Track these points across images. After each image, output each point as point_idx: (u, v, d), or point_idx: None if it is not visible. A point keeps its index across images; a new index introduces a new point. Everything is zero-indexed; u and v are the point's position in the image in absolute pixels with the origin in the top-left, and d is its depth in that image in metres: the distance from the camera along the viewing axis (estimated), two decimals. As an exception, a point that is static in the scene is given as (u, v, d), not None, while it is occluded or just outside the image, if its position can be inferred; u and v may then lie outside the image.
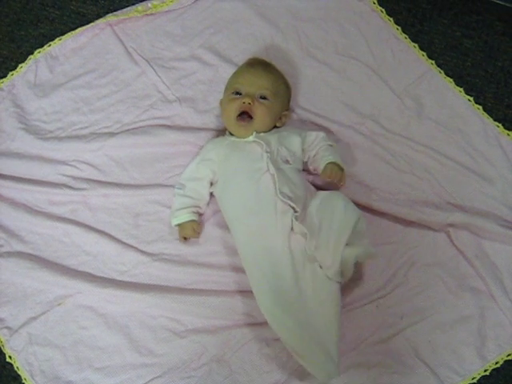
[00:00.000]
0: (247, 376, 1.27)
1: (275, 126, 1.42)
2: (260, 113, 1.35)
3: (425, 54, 1.62)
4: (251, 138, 1.36)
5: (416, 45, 1.63)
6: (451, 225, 1.39)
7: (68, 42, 1.61)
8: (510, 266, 1.37)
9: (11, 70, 1.59)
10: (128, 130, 1.50)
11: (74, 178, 1.45)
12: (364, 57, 1.60)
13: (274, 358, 1.28)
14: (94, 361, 1.29)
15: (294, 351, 1.18)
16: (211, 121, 1.52)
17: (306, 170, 1.44)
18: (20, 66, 1.59)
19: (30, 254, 1.38)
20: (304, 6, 1.67)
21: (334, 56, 1.61)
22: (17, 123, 1.51)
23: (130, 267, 1.37)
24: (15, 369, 1.29)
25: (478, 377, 1.29)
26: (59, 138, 1.49)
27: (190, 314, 1.31)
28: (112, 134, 1.49)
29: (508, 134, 1.53)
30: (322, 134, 1.42)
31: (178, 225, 1.37)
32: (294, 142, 1.39)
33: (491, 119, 1.54)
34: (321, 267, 1.22)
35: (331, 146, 1.41)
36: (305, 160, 1.41)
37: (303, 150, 1.40)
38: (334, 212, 1.25)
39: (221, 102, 1.45)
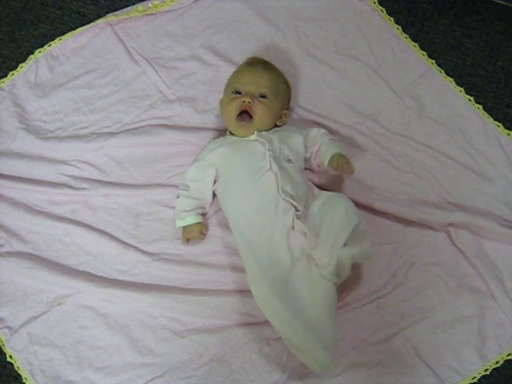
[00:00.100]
0: (247, 376, 1.27)
1: (276, 125, 1.42)
2: (260, 112, 1.35)
3: (425, 53, 1.61)
4: (253, 137, 1.36)
5: (416, 44, 1.63)
6: (451, 224, 1.39)
7: (68, 42, 1.61)
8: (510, 266, 1.38)
9: (12, 70, 1.59)
10: (128, 130, 1.51)
11: (74, 177, 1.45)
12: (364, 56, 1.60)
13: (275, 358, 1.28)
14: (94, 360, 1.29)
15: (290, 342, 1.18)
16: (211, 121, 1.52)
17: (308, 168, 1.44)
18: (20, 65, 1.59)
19: (31, 254, 1.38)
20: (304, 6, 1.67)
21: (335, 56, 1.61)
22: (17, 123, 1.51)
23: (131, 267, 1.37)
24: (16, 368, 1.29)
25: (479, 376, 1.29)
26: (59, 138, 1.50)
27: (190, 314, 1.32)
28: (112, 134, 1.49)
29: (508, 134, 1.53)
30: (322, 130, 1.42)
31: (184, 227, 1.37)
32: (296, 140, 1.39)
33: (491, 119, 1.54)
34: (317, 265, 1.23)
35: (332, 139, 1.41)
36: (307, 156, 1.41)
37: (306, 147, 1.40)
38: (334, 213, 1.25)
39: (221, 102, 1.45)
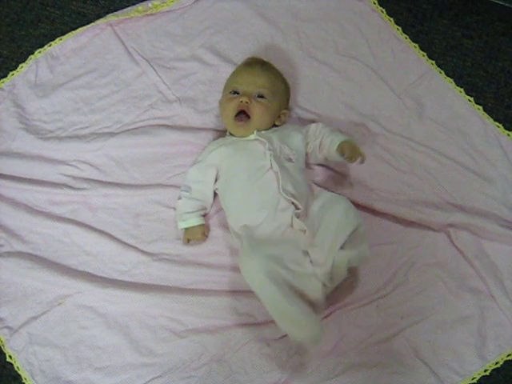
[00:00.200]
0: (247, 376, 1.28)
1: (274, 125, 1.42)
2: (258, 112, 1.35)
3: (425, 54, 1.62)
4: (253, 137, 1.36)
5: (416, 45, 1.63)
6: (451, 225, 1.39)
7: (68, 42, 1.61)
8: (510, 267, 1.38)
9: (12, 70, 1.59)
10: (128, 130, 1.51)
11: (74, 177, 1.45)
12: (364, 57, 1.61)
13: (274, 358, 1.28)
14: (94, 361, 1.29)
15: (278, 316, 1.17)
16: (211, 121, 1.52)
17: (309, 168, 1.44)
18: (20, 65, 1.60)
19: (31, 254, 1.38)
20: (304, 6, 1.67)
21: (335, 56, 1.61)
22: (17, 123, 1.51)
23: (130, 267, 1.37)
24: (15, 368, 1.29)
25: (478, 377, 1.29)
26: (60, 138, 1.50)
27: (190, 314, 1.32)
28: (112, 134, 1.49)
29: (508, 135, 1.53)
30: (321, 124, 1.42)
31: (186, 228, 1.37)
32: (296, 139, 1.39)
33: (491, 119, 1.54)
34: (311, 262, 1.23)
35: (333, 130, 1.40)
36: (309, 152, 1.41)
37: (307, 143, 1.40)
38: (334, 214, 1.25)
39: (220, 102, 1.45)
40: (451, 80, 1.59)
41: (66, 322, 1.32)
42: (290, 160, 1.34)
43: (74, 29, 1.63)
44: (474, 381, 1.29)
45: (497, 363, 1.30)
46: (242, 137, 1.38)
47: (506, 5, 1.59)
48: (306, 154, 1.42)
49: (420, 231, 1.41)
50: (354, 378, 1.27)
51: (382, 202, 1.42)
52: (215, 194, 1.40)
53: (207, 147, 1.43)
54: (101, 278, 1.36)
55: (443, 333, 1.32)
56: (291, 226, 1.26)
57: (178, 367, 1.28)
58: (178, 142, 1.49)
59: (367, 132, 1.51)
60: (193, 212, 1.36)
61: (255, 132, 1.36)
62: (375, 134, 1.51)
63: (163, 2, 1.65)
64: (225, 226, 1.38)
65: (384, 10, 1.67)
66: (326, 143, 1.38)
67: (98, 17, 1.65)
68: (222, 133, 1.49)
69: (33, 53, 1.61)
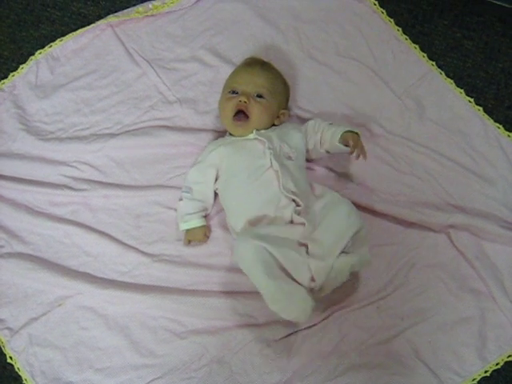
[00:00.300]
0: (248, 377, 1.28)
1: (273, 125, 1.42)
2: (256, 111, 1.35)
3: (425, 55, 1.62)
4: (252, 136, 1.36)
5: (417, 46, 1.63)
6: (452, 226, 1.39)
7: (69, 43, 1.61)
8: (510, 267, 1.38)
9: (12, 71, 1.59)
10: (129, 131, 1.51)
11: (74, 178, 1.45)
12: (365, 58, 1.60)
13: (275, 359, 1.28)
14: (94, 362, 1.29)
15: (265, 295, 1.17)
16: (212, 122, 1.52)
17: (310, 168, 1.44)
18: (21, 66, 1.59)
19: (31, 255, 1.38)
20: (305, 8, 1.67)
21: (335, 57, 1.61)
22: (18, 124, 1.51)
23: (131, 268, 1.37)
24: (16, 369, 1.29)
25: (479, 378, 1.29)
26: (60, 139, 1.50)
27: (190, 315, 1.32)
28: (113, 135, 1.50)
29: (508, 136, 1.53)
30: (319, 119, 1.42)
31: (187, 229, 1.37)
32: (295, 137, 1.39)
33: (492, 120, 1.54)
34: (307, 253, 1.22)
35: (332, 123, 1.40)
36: (310, 148, 1.41)
37: (307, 140, 1.40)
38: (337, 215, 1.25)
39: (219, 102, 1.45)
40: (451, 81, 1.59)
41: (67, 322, 1.32)
42: (289, 158, 1.34)
43: (74, 30, 1.63)
44: (475, 382, 1.29)
45: (497, 364, 1.30)
46: (241, 136, 1.38)
47: (507, 6, 1.59)
48: (307, 151, 1.42)
49: (420, 232, 1.41)
50: (354, 378, 1.27)
51: (383, 203, 1.42)
52: (216, 195, 1.40)
53: (206, 147, 1.43)
54: (101, 278, 1.36)
55: (444, 334, 1.32)
56: (291, 222, 1.26)
57: (179, 368, 1.28)
58: (179, 143, 1.49)
59: (368, 133, 1.51)
60: (194, 213, 1.36)
61: (254, 131, 1.36)
62: (376, 134, 1.51)
63: (163, 3, 1.66)
64: (225, 227, 1.38)
65: (384, 11, 1.67)
66: (327, 136, 1.38)
67: (99, 18, 1.65)
68: (222, 133, 1.49)
69: (33, 54, 1.61)
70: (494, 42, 1.65)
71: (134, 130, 1.51)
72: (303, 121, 1.51)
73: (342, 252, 1.21)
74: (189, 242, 1.38)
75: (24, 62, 1.60)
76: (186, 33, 1.64)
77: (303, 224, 1.24)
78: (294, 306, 1.16)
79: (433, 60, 1.61)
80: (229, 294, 1.33)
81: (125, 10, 1.65)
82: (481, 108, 1.56)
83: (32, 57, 1.61)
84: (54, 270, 1.35)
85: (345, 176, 1.46)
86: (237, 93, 1.38)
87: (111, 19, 1.62)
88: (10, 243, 1.39)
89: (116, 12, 1.65)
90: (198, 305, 1.31)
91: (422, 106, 1.55)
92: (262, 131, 1.37)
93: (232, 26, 1.65)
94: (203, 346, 1.30)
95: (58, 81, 1.58)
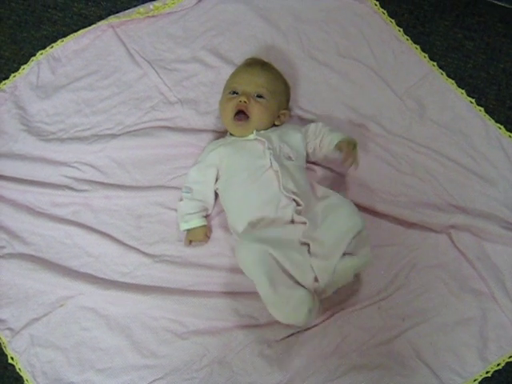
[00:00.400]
0: (249, 377, 1.27)
1: (274, 125, 1.42)
2: (256, 111, 1.35)
3: (426, 55, 1.62)
4: (252, 136, 1.36)
5: (418, 46, 1.63)
6: (453, 226, 1.39)
7: (70, 44, 1.61)
8: (511, 268, 1.37)
9: (13, 72, 1.59)
10: (130, 132, 1.51)
11: (76, 179, 1.45)
12: (366, 58, 1.61)
13: (276, 360, 1.28)
14: (95, 362, 1.29)
15: (264, 298, 1.18)
16: (213, 122, 1.52)
17: (311, 168, 1.44)
18: (22, 67, 1.60)
19: (32, 256, 1.38)
20: (305, 8, 1.67)
21: (336, 58, 1.61)
22: (19, 125, 1.51)
23: (132, 269, 1.37)
24: (17, 370, 1.29)
25: (480, 378, 1.29)
26: (61, 140, 1.50)
27: (191, 316, 1.32)
28: (114, 136, 1.50)
29: (510, 136, 1.53)
30: (321, 123, 1.43)
31: (188, 230, 1.37)
32: (295, 138, 1.39)
33: (493, 121, 1.54)
34: (309, 252, 1.22)
35: (333, 129, 1.41)
36: (310, 151, 1.41)
37: (307, 143, 1.40)
38: (339, 216, 1.24)
39: (219, 102, 1.46)
40: (453, 81, 1.59)
41: (68, 323, 1.32)
42: (289, 158, 1.35)
43: (75, 30, 1.63)
44: (476, 382, 1.29)
45: (498, 365, 1.30)
46: (242, 136, 1.38)
47: (508, 6, 1.60)
48: (307, 154, 1.42)
49: (421, 233, 1.41)
50: (355, 379, 1.27)
51: (384, 203, 1.42)
52: (216, 195, 1.40)
53: (206, 147, 1.43)
54: (102, 279, 1.36)
55: (445, 334, 1.32)
56: (292, 221, 1.26)
57: (180, 369, 1.28)
58: (180, 144, 1.49)
59: (368, 133, 1.51)
60: (194, 213, 1.36)
61: (254, 132, 1.36)
62: (376, 135, 1.51)
63: (165, 4, 1.66)
64: (226, 228, 1.38)
65: (385, 12, 1.67)
66: (325, 142, 1.38)
67: (100, 18, 1.65)
68: (223, 134, 1.49)
69: (34, 54, 1.61)
70: (495, 42, 1.65)
71: (135, 130, 1.51)
72: (304, 121, 1.51)
73: (345, 253, 1.21)
74: (190, 243, 1.38)
75: (25, 63, 1.60)
76: (187, 33, 1.64)
77: (304, 223, 1.24)
78: (291, 310, 1.16)
79: (434, 60, 1.61)
80: (230, 294, 1.34)
81: (126, 11, 1.65)
82: (482, 108, 1.56)
83: (33, 57, 1.61)
84: (56, 270, 1.35)
85: (345, 176, 1.46)
86: (237, 93, 1.38)
87: (112, 20, 1.62)
88: (11, 244, 1.39)
89: (117, 13, 1.66)
90: (199, 305, 1.31)
91: (423, 106, 1.55)
92: (262, 131, 1.37)
93: (233, 26, 1.65)
94: (204, 347, 1.30)
95: (59, 81, 1.58)
